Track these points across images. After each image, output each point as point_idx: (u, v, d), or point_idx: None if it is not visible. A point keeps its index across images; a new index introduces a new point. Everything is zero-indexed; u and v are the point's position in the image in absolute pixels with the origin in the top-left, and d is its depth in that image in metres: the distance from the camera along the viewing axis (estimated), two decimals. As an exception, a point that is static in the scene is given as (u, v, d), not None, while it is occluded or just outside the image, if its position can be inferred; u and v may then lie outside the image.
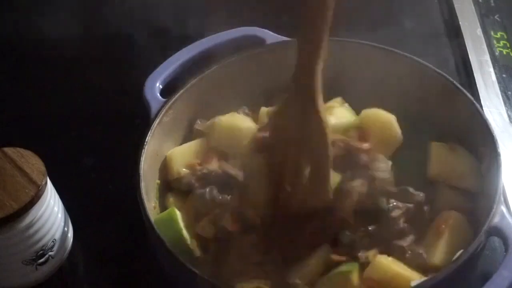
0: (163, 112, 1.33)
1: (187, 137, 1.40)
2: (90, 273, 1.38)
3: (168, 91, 1.38)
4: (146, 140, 1.28)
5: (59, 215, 1.29)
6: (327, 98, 1.39)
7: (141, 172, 1.23)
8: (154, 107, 1.34)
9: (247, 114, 1.41)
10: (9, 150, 1.26)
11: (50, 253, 1.27)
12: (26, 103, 1.66)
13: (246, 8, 1.73)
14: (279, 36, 1.45)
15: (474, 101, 1.27)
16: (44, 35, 1.81)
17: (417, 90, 1.36)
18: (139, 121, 1.43)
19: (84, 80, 1.69)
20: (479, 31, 1.71)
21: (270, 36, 1.45)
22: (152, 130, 1.30)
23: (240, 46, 1.44)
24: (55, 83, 1.70)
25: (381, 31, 1.65)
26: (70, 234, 1.34)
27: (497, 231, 1.09)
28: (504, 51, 1.67)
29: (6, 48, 1.81)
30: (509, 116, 1.52)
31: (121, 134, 1.53)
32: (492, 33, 1.71)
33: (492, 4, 1.78)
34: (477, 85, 1.58)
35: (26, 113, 1.64)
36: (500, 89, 1.58)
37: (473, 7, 1.77)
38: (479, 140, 1.25)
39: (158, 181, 1.34)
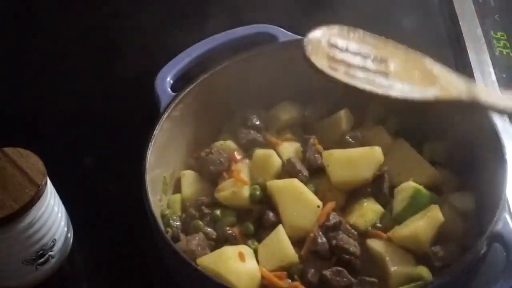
0: (172, 106, 1.33)
1: (196, 133, 1.41)
2: (90, 273, 1.38)
3: (178, 86, 1.38)
4: (154, 133, 1.28)
5: (59, 215, 1.29)
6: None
7: (147, 164, 1.23)
8: (164, 101, 1.34)
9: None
10: (9, 150, 1.26)
11: (50, 253, 1.27)
12: (26, 103, 1.66)
13: (259, 5, 1.73)
14: (292, 34, 1.45)
15: None
16: (45, 34, 1.81)
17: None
18: (140, 121, 1.43)
19: (85, 80, 1.70)
20: (479, 31, 1.71)
21: (283, 34, 1.45)
22: (161, 124, 1.30)
23: (252, 43, 1.45)
24: (55, 83, 1.70)
25: (381, 31, 1.65)
26: (70, 234, 1.34)
27: (499, 238, 1.09)
28: (504, 51, 1.67)
29: (6, 48, 1.81)
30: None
31: (122, 134, 1.53)
32: (492, 33, 1.71)
33: (492, 4, 1.78)
34: (477, 85, 1.58)
35: (26, 113, 1.64)
36: (500, 89, 1.58)
37: (473, 7, 1.77)
38: (485, 145, 1.25)
39: (165, 175, 1.34)
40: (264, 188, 1.29)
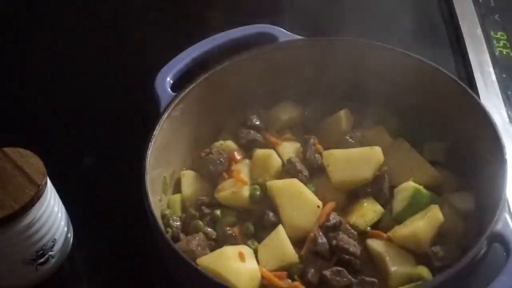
0: (172, 106, 1.32)
1: (196, 133, 1.41)
2: (90, 273, 1.38)
3: (179, 86, 1.37)
4: (154, 133, 1.28)
5: (59, 215, 1.29)
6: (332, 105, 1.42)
7: (147, 164, 1.23)
8: (163, 101, 1.34)
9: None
10: (9, 150, 1.26)
11: (50, 253, 1.27)
12: (26, 103, 1.66)
13: (260, 5, 1.73)
14: (292, 34, 1.45)
15: (485, 107, 1.27)
16: (45, 33, 1.80)
17: (422, 91, 1.37)
18: (140, 121, 1.43)
19: (85, 80, 1.69)
20: (479, 31, 1.71)
21: (283, 34, 1.45)
22: (161, 124, 1.30)
23: (252, 43, 1.44)
24: (55, 83, 1.70)
25: (381, 31, 1.65)
26: (70, 234, 1.34)
27: (499, 238, 1.09)
28: (504, 51, 1.67)
29: (6, 47, 1.81)
30: (509, 116, 1.52)
31: (122, 134, 1.53)
32: (492, 33, 1.71)
33: (492, 4, 1.78)
34: (477, 85, 1.58)
35: (26, 113, 1.64)
36: (500, 89, 1.58)
37: (473, 7, 1.77)
38: (485, 145, 1.25)
39: (165, 175, 1.34)
40: (264, 188, 1.29)
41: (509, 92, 1.58)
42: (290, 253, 1.20)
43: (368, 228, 1.25)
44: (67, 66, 1.73)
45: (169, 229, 1.27)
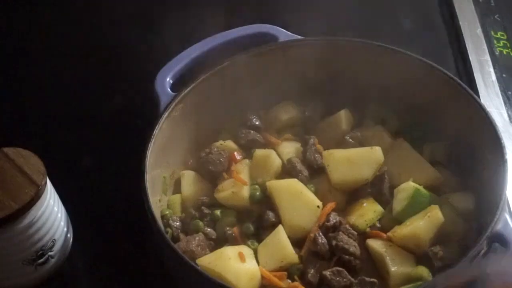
0: (172, 106, 1.32)
1: (196, 133, 1.41)
2: (90, 273, 1.38)
3: (178, 86, 1.37)
4: (154, 133, 1.28)
5: (59, 215, 1.29)
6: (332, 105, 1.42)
7: (147, 164, 1.23)
8: (163, 101, 1.34)
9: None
10: (9, 150, 1.26)
11: (50, 253, 1.27)
12: (26, 103, 1.66)
13: (260, 5, 1.73)
14: (292, 34, 1.45)
15: (485, 107, 1.27)
16: (45, 34, 1.80)
17: (422, 91, 1.37)
18: (140, 121, 1.43)
19: (85, 80, 1.69)
20: (479, 31, 1.71)
21: (283, 34, 1.45)
22: (161, 124, 1.30)
23: (252, 43, 1.44)
24: (56, 83, 1.70)
25: (381, 31, 1.65)
26: (70, 234, 1.34)
27: (499, 238, 1.09)
28: (504, 51, 1.67)
29: (6, 47, 1.81)
30: (509, 116, 1.52)
31: (122, 134, 1.53)
32: (492, 33, 1.71)
33: (492, 4, 1.78)
34: (477, 85, 1.58)
35: (26, 113, 1.64)
36: (500, 89, 1.58)
37: (473, 7, 1.77)
38: (485, 145, 1.25)
39: (165, 175, 1.34)
40: (264, 188, 1.29)
41: (509, 92, 1.58)
42: (290, 253, 1.20)
43: (368, 228, 1.25)
44: (67, 66, 1.73)
45: (169, 229, 1.27)
